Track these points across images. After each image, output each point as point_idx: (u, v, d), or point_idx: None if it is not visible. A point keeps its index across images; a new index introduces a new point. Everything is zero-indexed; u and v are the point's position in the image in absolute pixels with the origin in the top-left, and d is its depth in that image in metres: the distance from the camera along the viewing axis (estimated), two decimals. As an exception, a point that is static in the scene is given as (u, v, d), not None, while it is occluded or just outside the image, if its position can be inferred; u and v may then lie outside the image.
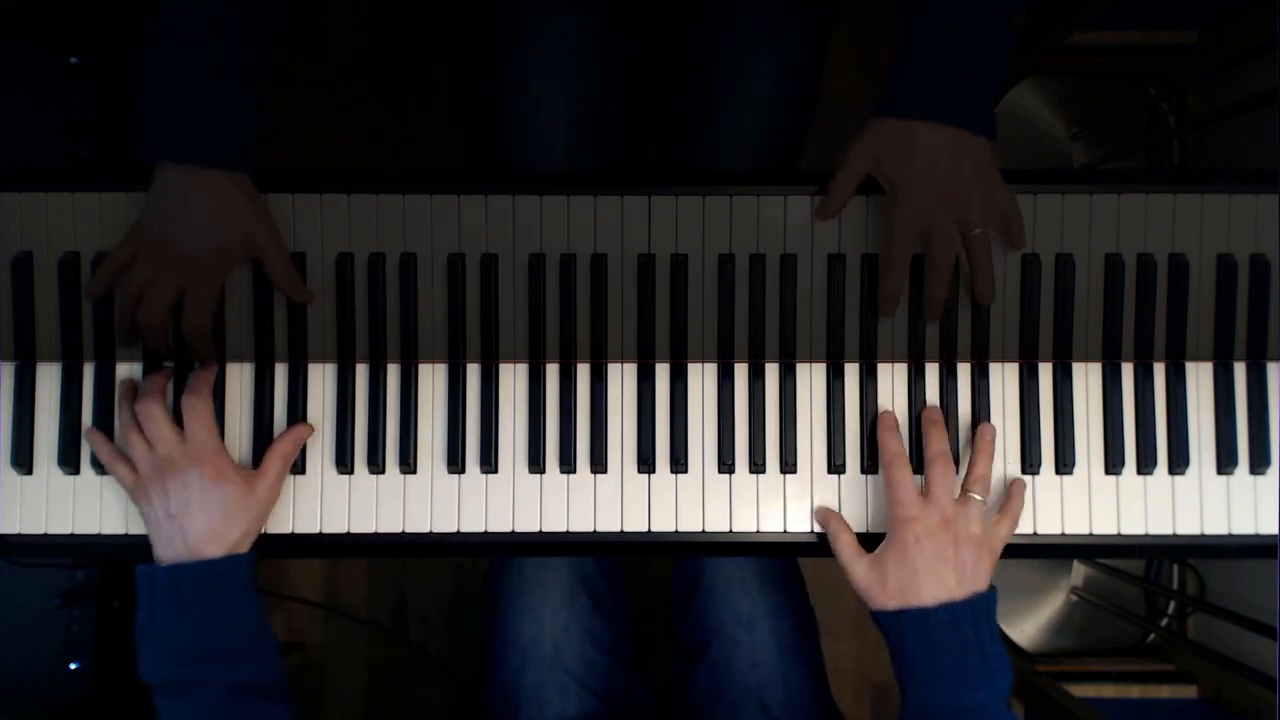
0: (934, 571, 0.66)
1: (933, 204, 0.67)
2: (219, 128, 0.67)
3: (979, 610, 0.66)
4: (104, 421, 0.74)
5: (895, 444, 0.71)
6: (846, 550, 0.70)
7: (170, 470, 0.68)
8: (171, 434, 0.69)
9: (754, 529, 0.74)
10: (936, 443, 0.70)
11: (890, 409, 0.74)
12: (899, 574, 0.67)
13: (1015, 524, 0.71)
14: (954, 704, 0.64)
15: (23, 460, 0.74)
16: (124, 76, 0.67)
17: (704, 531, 0.74)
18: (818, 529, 0.74)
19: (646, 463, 0.74)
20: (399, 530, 0.74)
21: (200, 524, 0.67)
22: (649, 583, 1.48)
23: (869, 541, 0.71)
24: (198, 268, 0.68)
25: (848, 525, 0.72)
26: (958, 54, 0.66)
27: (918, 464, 0.72)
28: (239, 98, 0.67)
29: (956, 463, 0.72)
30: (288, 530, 0.74)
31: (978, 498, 0.69)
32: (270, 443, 0.73)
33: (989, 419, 0.74)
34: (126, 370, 0.75)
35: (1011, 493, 0.72)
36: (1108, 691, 1.37)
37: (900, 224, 0.68)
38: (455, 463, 0.74)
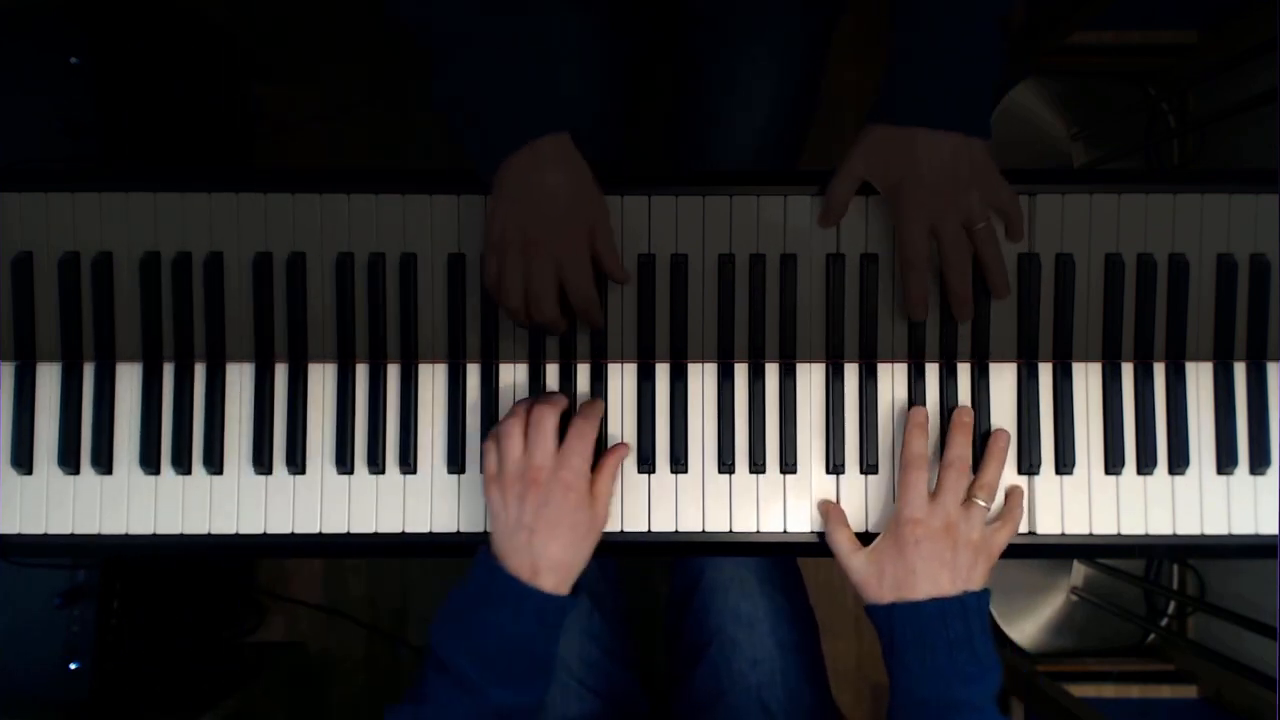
0: (930, 572, 0.67)
1: (936, 205, 0.67)
2: (524, 101, 0.67)
3: (970, 607, 0.66)
4: (104, 422, 0.74)
5: (920, 446, 0.71)
6: (844, 544, 0.71)
7: (535, 481, 0.67)
8: (552, 447, 0.68)
9: (754, 529, 0.74)
10: (957, 447, 0.71)
11: (918, 406, 0.74)
12: (895, 570, 0.67)
13: (1014, 531, 0.71)
14: (943, 699, 0.65)
15: (23, 460, 0.74)
16: (428, 100, 0.69)
17: (704, 531, 0.74)
18: (817, 528, 0.74)
19: (646, 463, 0.74)
20: (399, 530, 0.74)
21: (553, 549, 0.66)
22: (648, 583, 1.48)
23: (868, 541, 0.71)
24: (564, 237, 0.67)
25: (846, 520, 0.73)
26: (951, 59, 0.66)
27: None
28: (537, 68, 0.68)
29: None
30: (288, 530, 0.74)
31: (982, 504, 0.69)
32: (273, 443, 0.73)
33: (989, 419, 0.74)
34: (127, 370, 0.75)
35: (1010, 501, 0.73)
36: (1108, 691, 1.37)
37: (909, 227, 0.68)
38: (455, 463, 0.74)
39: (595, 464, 0.71)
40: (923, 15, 0.66)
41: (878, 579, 0.68)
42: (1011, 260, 0.74)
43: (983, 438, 0.73)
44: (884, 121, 0.68)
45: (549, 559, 0.66)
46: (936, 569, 0.66)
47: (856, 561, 0.70)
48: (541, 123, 0.67)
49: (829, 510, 0.73)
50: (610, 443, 0.74)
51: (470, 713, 0.64)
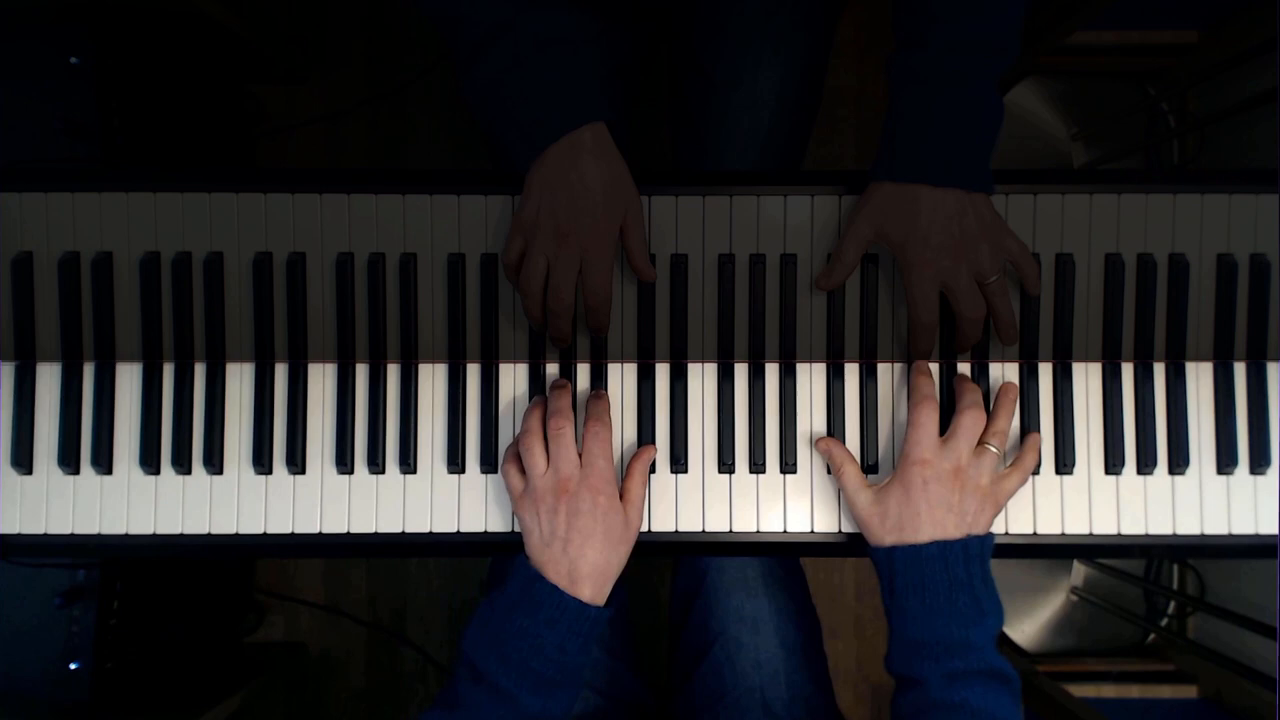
0: (934, 515, 0.66)
1: (946, 261, 0.68)
2: (571, 92, 0.68)
3: (972, 550, 0.66)
4: (104, 421, 0.74)
5: (929, 386, 0.71)
6: (852, 480, 0.71)
7: (564, 492, 0.67)
8: (575, 456, 0.68)
9: (754, 529, 0.74)
10: (970, 395, 0.71)
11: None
12: (900, 511, 0.67)
13: (1025, 478, 0.71)
14: (942, 639, 0.65)
15: (23, 460, 0.74)
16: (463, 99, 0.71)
17: (704, 532, 0.74)
18: (817, 529, 0.74)
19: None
20: (399, 530, 0.74)
21: (591, 557, 0.66)
22: (649, 585, 1.48)
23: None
24: (595, 230, 0.68)
25: (852, 456, 0.72)
26: (950, 119, 0.67)
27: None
28: (573, 60, 0.69)
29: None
30: (288, 530, 0.74)
31: (994, 449, 0.69)
32: (273, 443, 0.73)
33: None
34: (127, 370, 0.75)
35: (1026, 445, 0.72)
36: (1108, 691, 1.37)
37: (919, 286, 0.69)
38: (455, 463, 0.74)
39: (626, 469, 0.72)
40: (921, 72, 0.67)
41: (881, 518, 0.68)
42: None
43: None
44: (887, 179, 0.69)
45: (586, 566, 0.66)
46: (942, 513, 0.66)
47: (863, 499, 0.70)
48: (579, 114, 0.67)
49: (831, 448, 0.73)
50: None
51: (502, 719, 0.64)
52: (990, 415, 0.71)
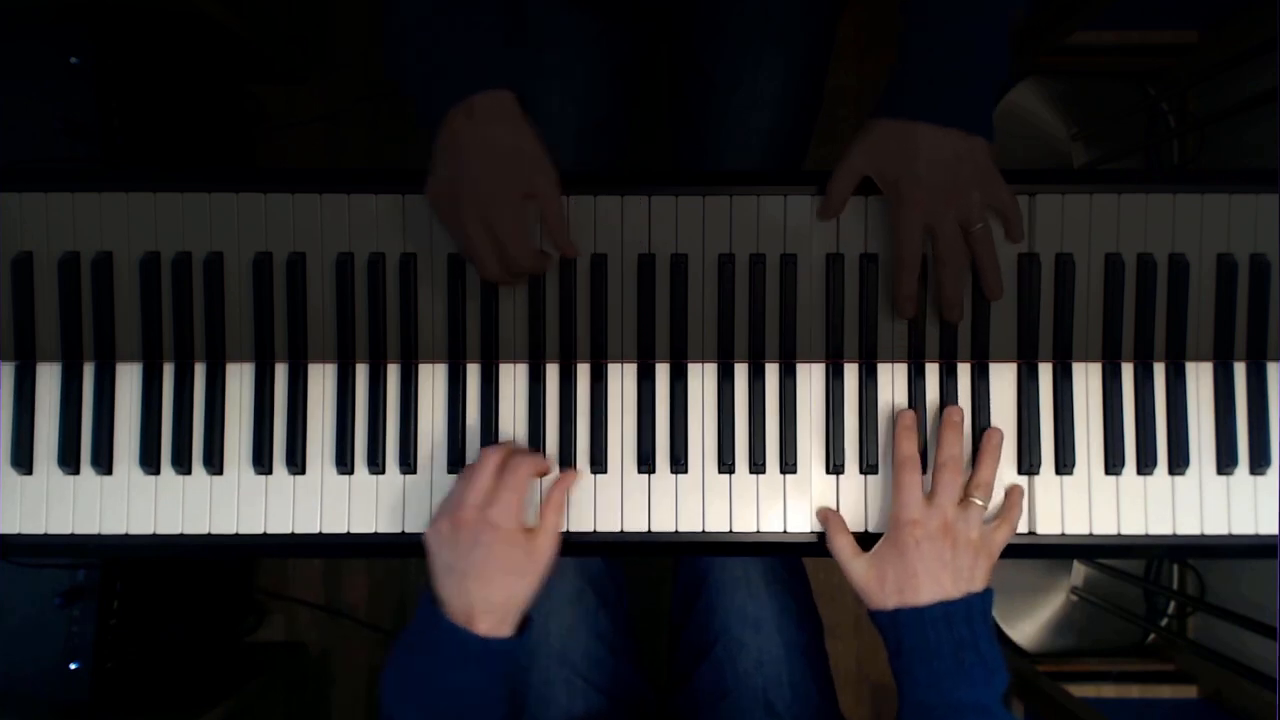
0: (931, 574, 0.66)
1: (935, 202, 0.67)
2: (476, 61, 0.67)
3: (975, 609, 0.66)
4: (104, 422, 0.74)
5: (910, 447, 0.71)
6: (845, 550, 0.71)
7: (462, 523, 0.66)
8: (488, 487, 0.67)
9: (754, 529, 0.74)
10: (949, 447, 0.71)
11: (905, 408, 0.74)
12: (897, 574, 0.67)
13: (1013, 529, 0.71)
14: (951, 702, 0.65)
15: (23, 460, 0.74)
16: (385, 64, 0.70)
17: (704, 531, 0.74)
18: (818, 528, 0.74)
19: (646, 463, 0.74)
20: (399, 530, 0.74)
21: (486, 593, 0.65)
22: (650, 583, 1.48)
23: (868, 541, 0.71)
24: (495, 194, 0.66)
25: (846, 526, 0.72)
26: (957, 55, 0.66)
27: (924, 459, 0.73)
28: (477, 36, 0.67)
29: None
30: (288, 530, 0.74)
31: (979, 503, 0.69)
32: (273, 443, 0.73)
33: (989, 419, 0.74)
34: (127, 370, 0.75)
35: (1009, 500, 0.73)
36: (1108, 691, 1.37)
37: (906, 223, 0.68)
38: (455, 463, 0.74)
39: (545, 495, 0.71)
40: (931, 12, 0.67)
41: (880, 583, 0.68)
42: (1011, 260, 0.74)
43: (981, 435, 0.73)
44: (887, 116, 0.68)
45: (482, 602, 0.65)
46: (938, 570, 0.66)
47: (858, 566, 0.69)
48: (480, 79, 0.66)
49: (828, 517, 0.73)
50: (610, 442, 0.74)
51: None
52: (974, 466, 0.71)
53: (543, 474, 0.73)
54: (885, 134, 0.68)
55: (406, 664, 0.66)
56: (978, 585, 0.67)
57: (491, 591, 0.66)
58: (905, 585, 0.67)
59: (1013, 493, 0.73)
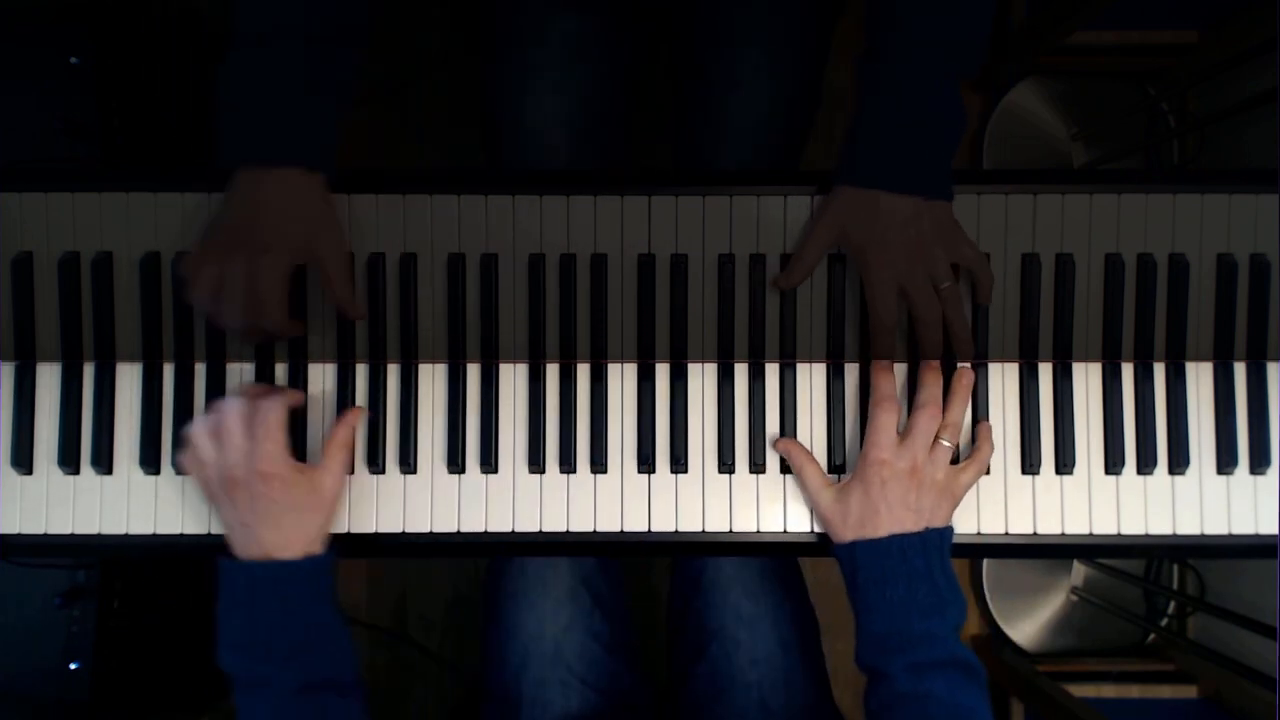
0: (893, 513, 0.68)
1: (901, 263, 0.69)
2: (298, 129, 0.67)
3: (930, 543, 0.68)
4: (104, 422, 0.74)
5: (889, 386, 0.72)
6: (814, 480, 0.72)
7: (234, 482, 0.67)
8: (242, 442, 0.67)
9: (754, 529, 0.74)
10: (930, 389, 0.71)
11: (882, 363, 0.73)
12: (860, 509, 0.69)
13: (981, 470, 0.72)
14: (903, 631, 0.66)
15: (23, 460, 0.74)
16: (214, 87, 0.68)
17: (704, 531, 0.74)
18: (818, 529, 0.74)
19: (646, 463, 0.74)
20: (399, 530, 0.74)
21: (281, 535, 0.67)
22: (648, 583, 1.48)
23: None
24: (262, 254, 0.66)
25: (812, 456, 0.73)
26: (911, 124, 0.68)
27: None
28: (317, 100, 0.67)
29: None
30: (288, 530, 0.74)
31: (947, 444, 0.70)
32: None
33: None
34: (127, 370, 0.75)
35: (980, 437, 0.73)
36: (1108, 691, 1.37)
37: (878, 285, 0.70)
38: (455, 463, 0.74)
39: (329, 433, 0.72)
40: (884, 80, 0.68)
41: (843, 516, 0.70)
42: (1012, 260, 0.74)
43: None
44: (849, 183, 0.70)
45: (277, 542, 0.67)
46: (900, 510, 0.68)
47: (825, 498, 0.71)
48: (299, 154, 0.67)
49: (790, 447, 0.73)
50: (610, 443, 0.74)
51: (277, 704, 0.65)
52: (946, 405, 0.72)
53: (296, 406, 0.72)
54: (848, 202, 0.70)
55: (231, 621, 0.67)
56: (938, 523, 0.69)
57: (284, 532, 0.67)
58: (867, 520, 0.68)
59: (982, 429, 0.73)
